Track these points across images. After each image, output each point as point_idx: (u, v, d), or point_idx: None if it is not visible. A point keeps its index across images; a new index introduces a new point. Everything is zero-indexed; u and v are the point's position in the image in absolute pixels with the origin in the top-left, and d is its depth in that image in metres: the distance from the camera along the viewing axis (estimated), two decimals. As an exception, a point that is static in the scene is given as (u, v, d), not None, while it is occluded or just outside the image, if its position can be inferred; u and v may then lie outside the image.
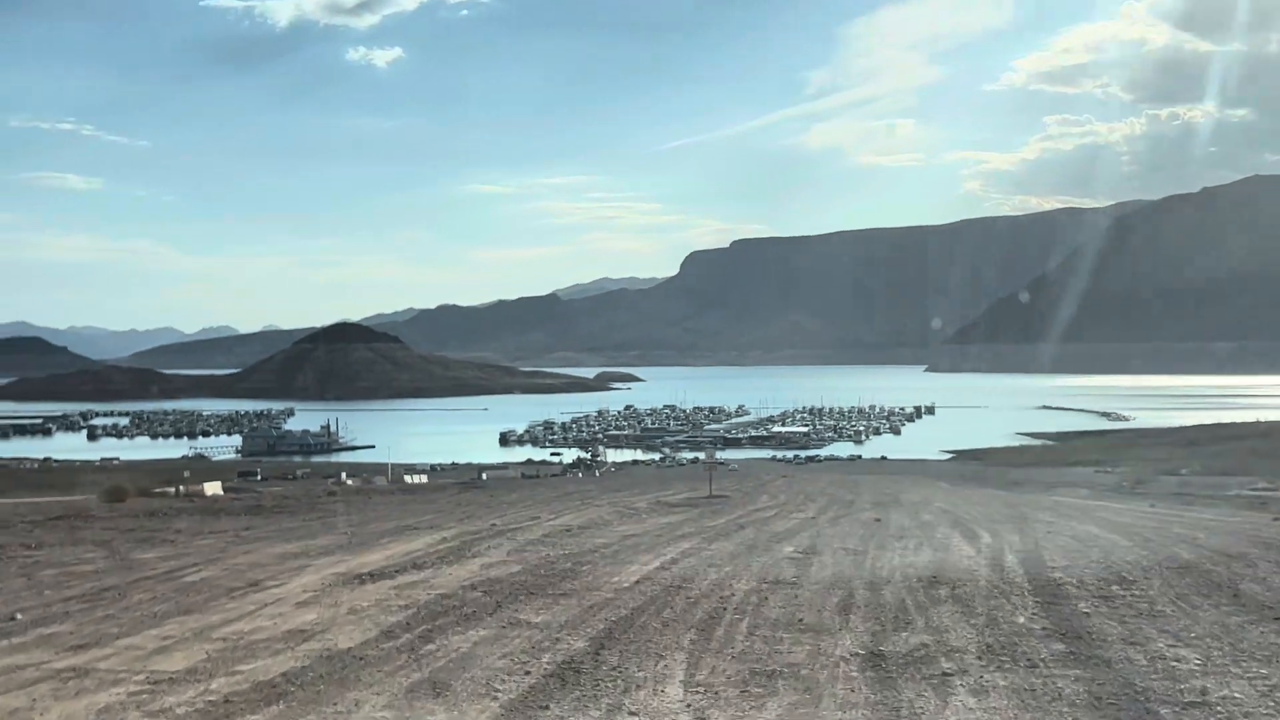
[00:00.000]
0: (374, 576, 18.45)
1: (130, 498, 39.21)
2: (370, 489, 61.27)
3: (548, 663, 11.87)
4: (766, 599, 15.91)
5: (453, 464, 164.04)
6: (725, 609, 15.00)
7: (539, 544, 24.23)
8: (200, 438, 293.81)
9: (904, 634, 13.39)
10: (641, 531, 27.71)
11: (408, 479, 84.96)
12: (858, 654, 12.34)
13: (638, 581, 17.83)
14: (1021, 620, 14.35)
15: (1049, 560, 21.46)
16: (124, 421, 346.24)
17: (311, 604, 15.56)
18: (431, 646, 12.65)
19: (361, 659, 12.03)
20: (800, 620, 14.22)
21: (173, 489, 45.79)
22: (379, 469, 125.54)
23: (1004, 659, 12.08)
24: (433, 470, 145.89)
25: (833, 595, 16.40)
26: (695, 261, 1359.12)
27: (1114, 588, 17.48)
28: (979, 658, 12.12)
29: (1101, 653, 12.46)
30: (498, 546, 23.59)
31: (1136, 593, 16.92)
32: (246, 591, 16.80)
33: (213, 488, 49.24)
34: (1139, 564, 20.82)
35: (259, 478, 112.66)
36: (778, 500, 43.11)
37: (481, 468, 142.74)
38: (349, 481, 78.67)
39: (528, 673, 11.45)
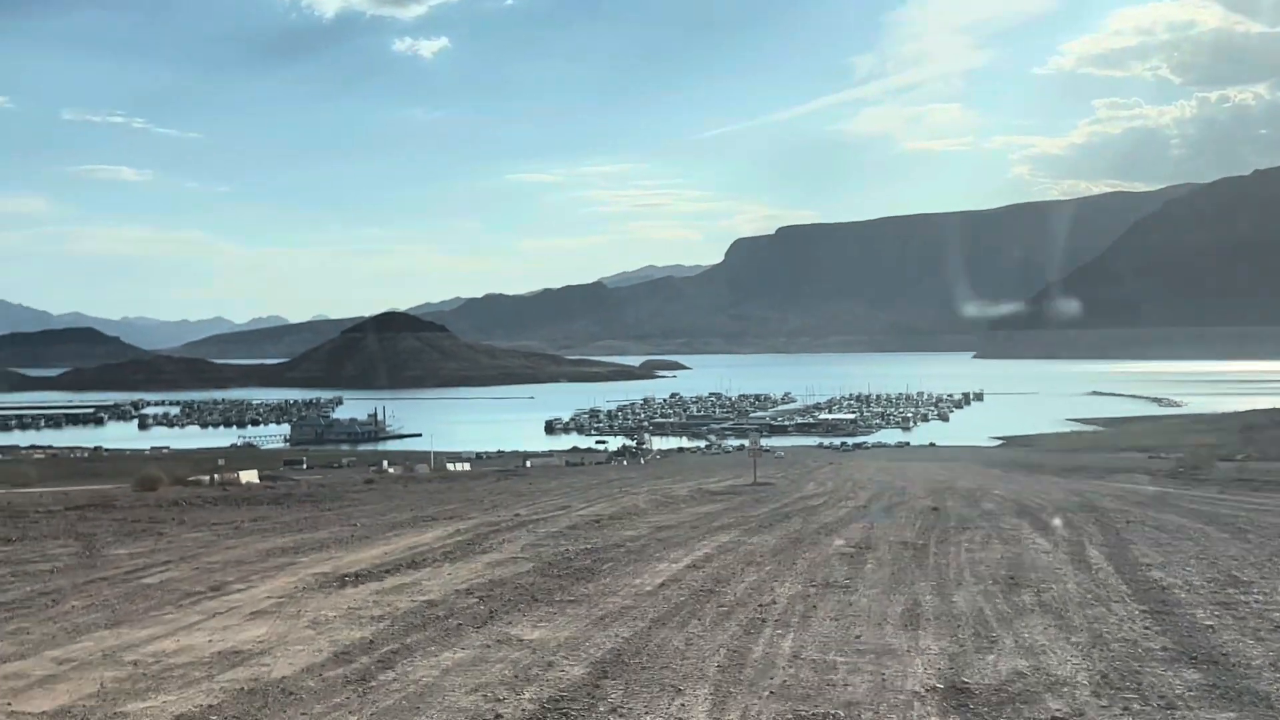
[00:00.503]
0: (359, 578, 15.90)
1: (163, 486, 37.10)
2: (410, 477, 59.08)
3: (529, 700, 9.17)
4: (815, 607, 13.17)
5: (498, 452, 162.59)
6: (764, 621, 12.27)
7: (560, 537, 22.00)
8: (249, 426, 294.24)
9: (990, 657, 10.60)
10: (676, 522, 25.44)
11: (450, 467, 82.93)
12: (935, 687, 9.54)
13: (663, 584, 15.15)
14: (1134, 636, 11.54)
15: (1140, 556, 18.64)
16: (175, 410, 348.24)
17: (269, 614, 13.00)
18: (389, 675, 9.96)
19: (292, 694, 9.38)
20: (857, 637, 11.45)
21: (208, 477, 43.86)
22: (423, 457, 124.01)
23: (1129, 695, 9.25)
24: (478, 458, 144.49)
25: (894, 602, 13.63)
26: (741, 248, 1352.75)
27: (1230, 591, 14.64)
28: (1095, 694, 9.29)
29: (1252, 684, 9.65)
30: (514, 540, 21.33)
31: (1259, 597, 14.09)
32: (202, 597, 14.29)
33: (249, 476, 47.33)
34: (1246, 560, 17.95)
35: (305, 466, 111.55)
36: (825, 488, 40.33)
37: (526, 455, 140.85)
38: (390, 470, 76.79)
39: (498, 716, 8.77)
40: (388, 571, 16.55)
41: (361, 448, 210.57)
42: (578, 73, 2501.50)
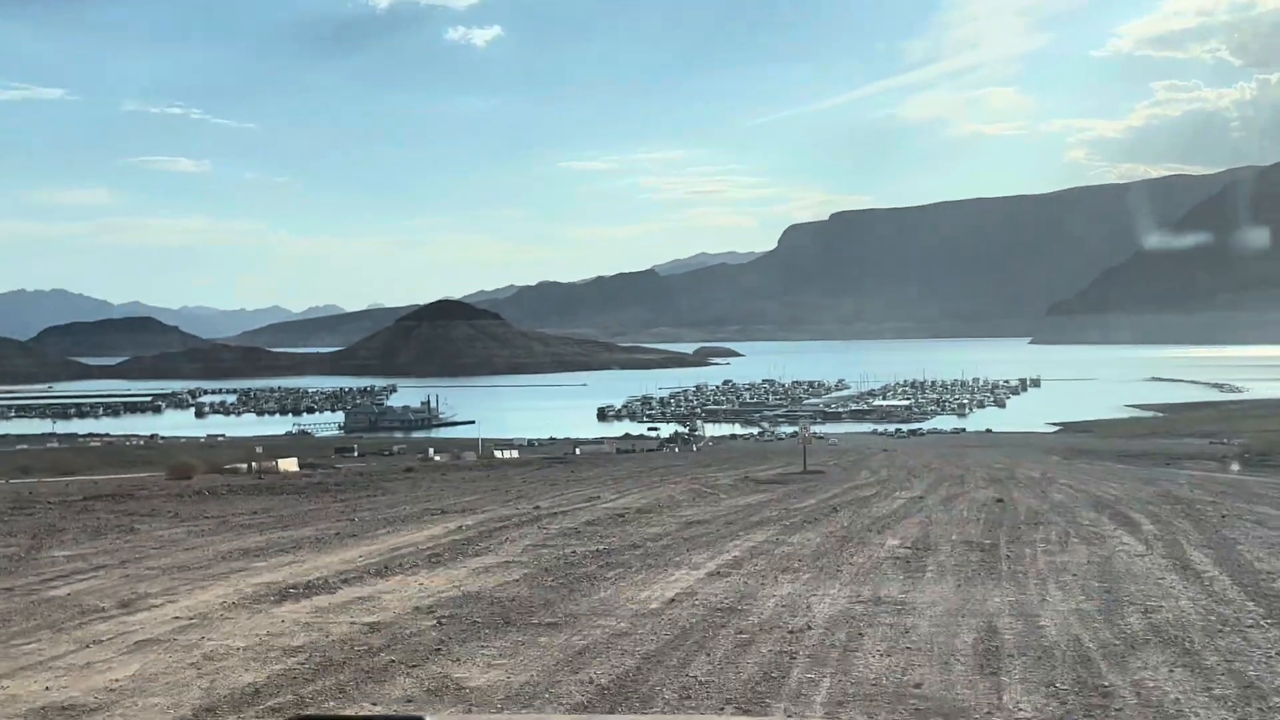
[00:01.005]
0: (309, 589, 13.25)
1: (197, 475, 34.96)
2: (454, 465, 56.79)
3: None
4: (861, 635, 10.28)
5: (550, 439, 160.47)
6: (793, 658, 9.37)
7: (573, 535, 19.85)
8: (305, 414, 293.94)
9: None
10: (710, 517, 23.35)
11: (498, 454, 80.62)
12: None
13: (673, 599, 12.33)
14: (1292, 681, 8.48)
15: (1255, 560, 15.52)
16: (231, 399, 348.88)
17: (159, 644, 10.38)
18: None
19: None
20: (917, 687, 8.45)
21: (246, 466, 41.72)
22: (472, 445, 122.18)
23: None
24: (529, 445, 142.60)
25: (964, 629, 10.67)
26: (794, 234, 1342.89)
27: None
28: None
29: None
30: (518, 539, 19.28)
31: None
32: (101, 616, 11.75)
33: (288, 464, 45.32)
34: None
35: (356, 454, 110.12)
36: (879, 476, 37.55)
37: (576, 443, 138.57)
38: (436, 457, 74.65)
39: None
40: (347, 581, 13.89)
41: (415, 435, 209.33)
42: (630, 60, 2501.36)
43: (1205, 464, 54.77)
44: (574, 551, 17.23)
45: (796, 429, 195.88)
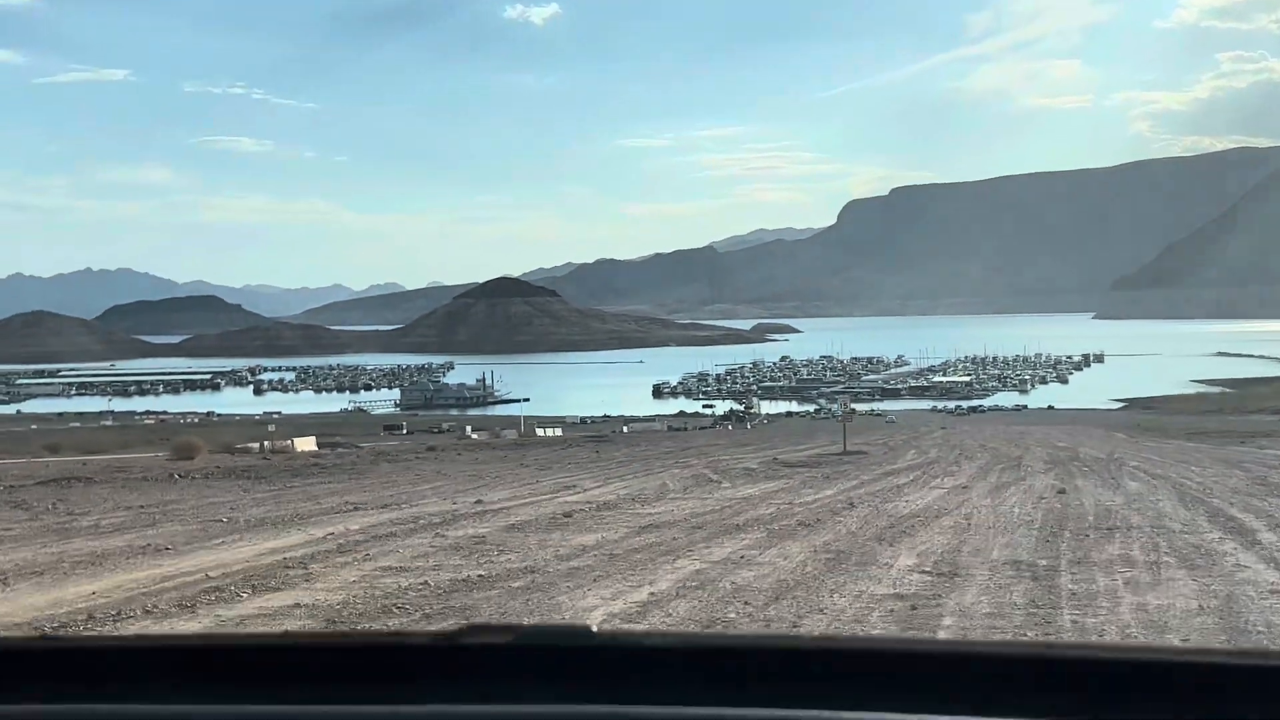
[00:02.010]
0: None
1: (202, 454, 35.13)
2: (486, 444, 56.77)
3: None
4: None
5: (604, 416, 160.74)
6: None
7: (459, 551, 16.01)
8: (362, 392, 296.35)
9: None
10: (684, 516, 19.90)
11: (540, 432, 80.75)
12: None
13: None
14: None
15: None
16: (290, 376, 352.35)
17: None
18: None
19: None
20: None
21: (258, 445, 41.75)
22: (515, 422, 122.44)
23: None
24: (581, 423, 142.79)
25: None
26: (853, 210, 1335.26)
27: None
28: None
29: None
30: (383, 553, 15.85)
31: None
32: None
33: (305, 443, 45.02)
34: None
35: (405, 431, 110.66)
36: (926, 457, 36.45)
37: (626, 420, 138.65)
38: (473, 435, 74.71)
39: None
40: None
41: (470, 413, 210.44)
42: (686, 37, 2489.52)
43: (1280, 440, 53.36)
44: (425, 582, 13.56)
45: (855, 406, 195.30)
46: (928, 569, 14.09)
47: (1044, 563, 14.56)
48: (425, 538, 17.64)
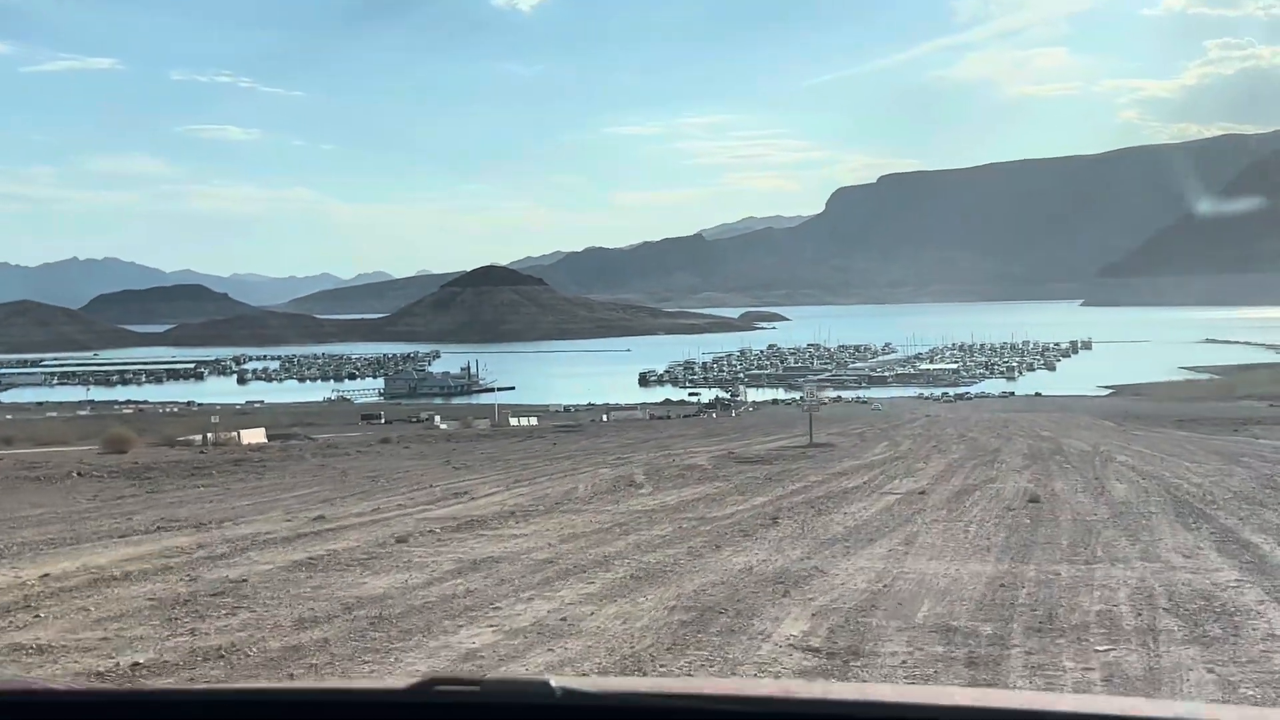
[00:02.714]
0: None
1: (135, 447, 33.35)
2: (453, 435, 55.05)
3: None
4: None
5: (588, 405, 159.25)
6: None
7: (199, 602, 12.60)
8: (346, 380, 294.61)
9: None
10: (547, 544, 16.34)
11: (513, 422, 79.10)
12: None
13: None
14: None
15: None
16: (274, 365, 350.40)
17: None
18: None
19: None
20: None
21: (200, 437, 39.76)
22: (509, 410, 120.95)
23: None
24: (565, 411, 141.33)
25: None
26: (842, 198, 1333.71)
27: None
28: None
29: None
30: (63, 611, 12.19)
31: None
32: None
33: (253, 436, 42.83)
34: None
35: (383, 421, 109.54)
36: (897, 450, 34.41)
37: (612, 409, 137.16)
38: (442, 425, 73.00)
39: None
40: None
41: (455, 401, 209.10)
42: (673, 25, 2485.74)
43: (1274, 428, 51.79)
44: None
45: (841, 394, 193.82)
46: (817, 642, 10.09)
47: (989, 630, 10.42)
48: (159, 583, 13.55)
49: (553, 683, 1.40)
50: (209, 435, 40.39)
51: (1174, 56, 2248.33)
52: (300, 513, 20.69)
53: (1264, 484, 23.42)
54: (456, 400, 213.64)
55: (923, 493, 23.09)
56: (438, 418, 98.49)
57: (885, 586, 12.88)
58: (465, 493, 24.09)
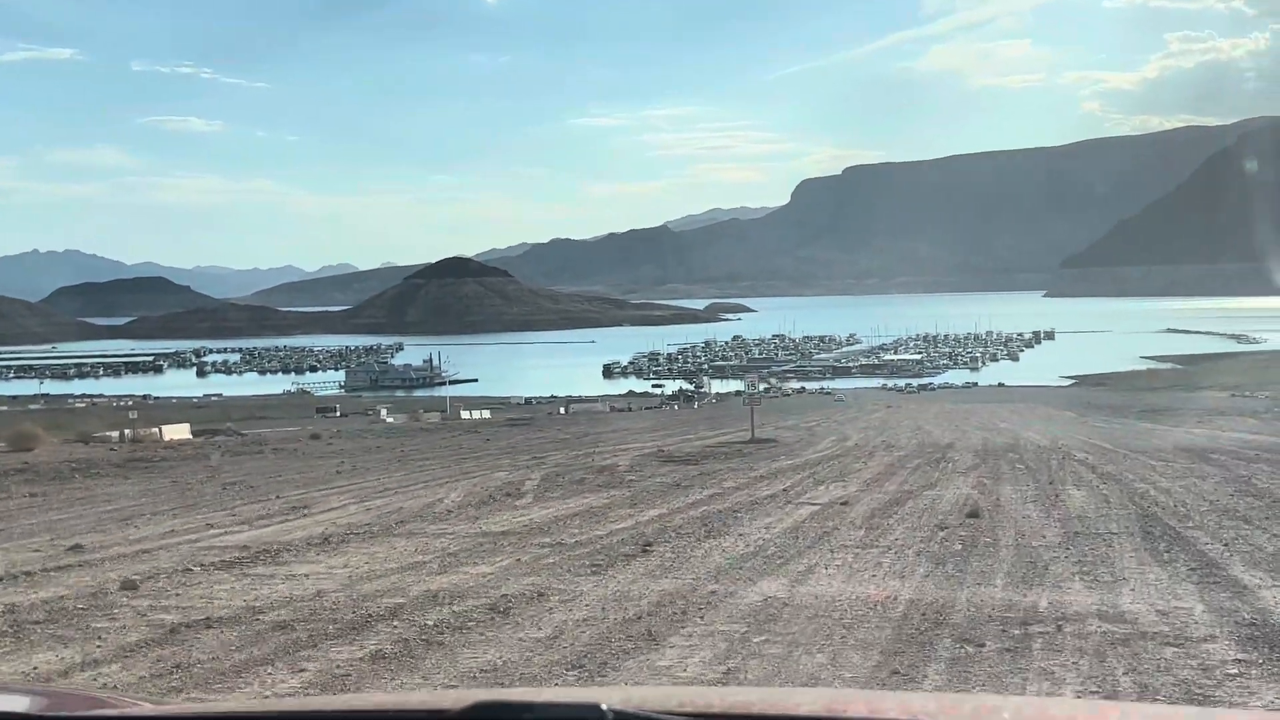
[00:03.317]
0: None
1: (41, 445, 31.60)
2: (398, 428, 53.53)
3: None
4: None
5: (550, 397, 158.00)
6: None
7: None
8: (308, 373, 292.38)
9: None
10: (308, 597, 12.86)
11: (465, 415, 77.63)
12: None
13: None
14: None
15: None
16: (235, 358, 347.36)
17: None
18: None
19: None
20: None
21: (118, 434, 37.86)
22: (469, 402, 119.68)
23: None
24: (526, 403, 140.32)
25: None
26: (807, 189, 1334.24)
27: None
28: None
29: None
30: None
31: None
32: None
33: (176, 432, 40.71)
34: None
35: (338, 414, 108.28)
36: (843, 446, 32.73)
37: (574, 400, 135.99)
38: (389, 419, 71.39)
39: None
40: None
41: (417, 394, 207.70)
42: (639, 16, 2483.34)
43: (1242, 420, 50.82)
44: None
45: (805, 385, 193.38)
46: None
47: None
48: None
49: (603, 706, 1.43)
50: (125, 432, 38.45)
51: (1135, 49, 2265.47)
52: (67, 538, 17.50)
53: (1242, 489, 20.96)
54: (419, 393, 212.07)
55: (845, 503, 20.29)
56: (384, 410, 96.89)
57: (732, 670, 9.40)
58: (307, 506, 21.41)
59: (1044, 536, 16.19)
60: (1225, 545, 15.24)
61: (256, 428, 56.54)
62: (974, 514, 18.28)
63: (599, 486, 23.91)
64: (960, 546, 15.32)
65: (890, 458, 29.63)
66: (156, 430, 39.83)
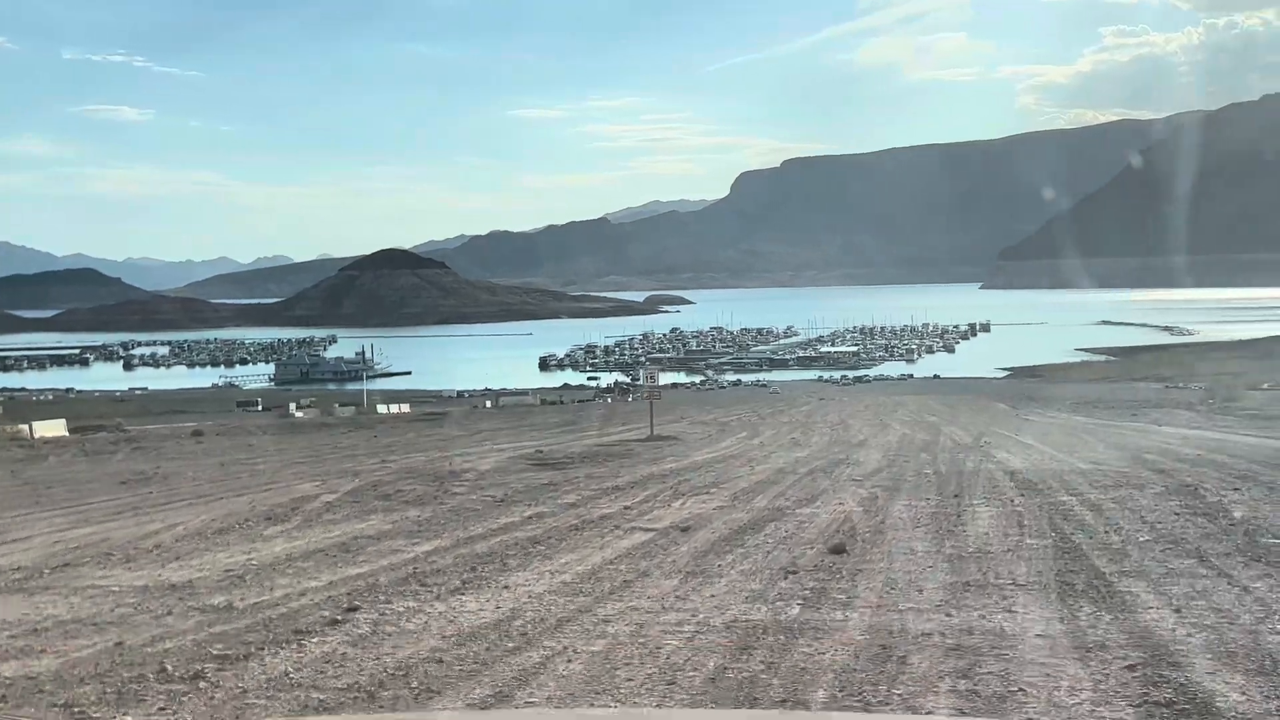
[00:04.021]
0: None
1: None
2: (301, 423, 51.14)
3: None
4: None
5: (485, 389, 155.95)
6: None
7: None
8: (237, 366, 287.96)
9: None
10: None
11: (382, 409, 75.30)
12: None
13: None
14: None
15: None
16: (163, 351, 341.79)
17: None
18: None
19: None
20: None
21: None
22: (401, 396, 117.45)
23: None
24: (459, 396, 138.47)
25: None
26: (747, 182, 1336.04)
27: None
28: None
29: None
30: None
31: None
32: None
33: (49, 429, 37.99)
34: None
35: (259, 408, 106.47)
36: (748, 444, 30.40)
37: (502, 394, 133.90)
38: (298, 414, 68.76)
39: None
40: None
41: (348, 387, 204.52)
42: (579, 6, 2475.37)
43: (1175, 413, 49.63)
44: None
45: (741, 377, 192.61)
46: None
47: None
48: None
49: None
50: (-13, 430, 36.00)
51: (1071, 44, 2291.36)
52: None
53: (1188, 505, 17.53)
54: (352, 386, 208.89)
55: (687, 529, 16.76)
56: (293, 405, 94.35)
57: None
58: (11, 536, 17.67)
59: (920, 590, 12.11)
60: (1177, 610, 10.92)
61: (158, 423, 54.01)
62: (839, 549, 14.54)
63: (407, 503, 20.68)
64: (798, 610, 11.32)
65: (785, 459, 26.89)
66: (26, 427, 37.18)
